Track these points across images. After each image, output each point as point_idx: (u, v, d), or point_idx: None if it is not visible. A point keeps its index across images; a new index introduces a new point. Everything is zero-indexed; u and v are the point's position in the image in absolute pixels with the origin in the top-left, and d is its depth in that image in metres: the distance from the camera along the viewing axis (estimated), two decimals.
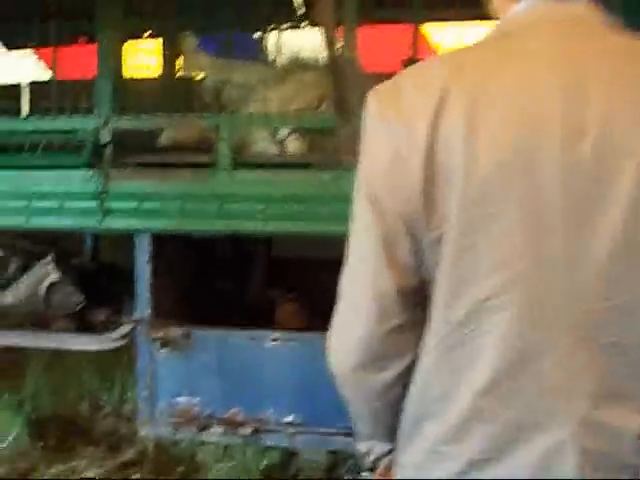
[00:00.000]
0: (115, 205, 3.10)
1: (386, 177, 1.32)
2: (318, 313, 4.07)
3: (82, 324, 3.80)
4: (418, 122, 1.29)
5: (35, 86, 4.72)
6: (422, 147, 1.28)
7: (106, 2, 3.22)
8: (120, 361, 4.29)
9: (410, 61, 4.43)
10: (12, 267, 3.96)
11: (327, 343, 1.47)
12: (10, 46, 5.10)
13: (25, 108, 4.62)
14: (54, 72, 5.26)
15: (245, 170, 3.02)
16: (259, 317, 3.83)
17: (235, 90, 3.50)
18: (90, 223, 3.12)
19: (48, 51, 5.14)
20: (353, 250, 1.38)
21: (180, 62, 3.78)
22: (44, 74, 5.50)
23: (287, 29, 4.96)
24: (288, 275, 3.98)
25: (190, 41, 3.60)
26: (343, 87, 2.73)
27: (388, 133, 1.32)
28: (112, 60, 3.14)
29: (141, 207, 3.07)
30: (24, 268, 3.94)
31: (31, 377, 4.47)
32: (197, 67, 3.60)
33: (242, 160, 3.05)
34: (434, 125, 1.28)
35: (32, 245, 3.86)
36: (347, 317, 1.40)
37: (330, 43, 2.53)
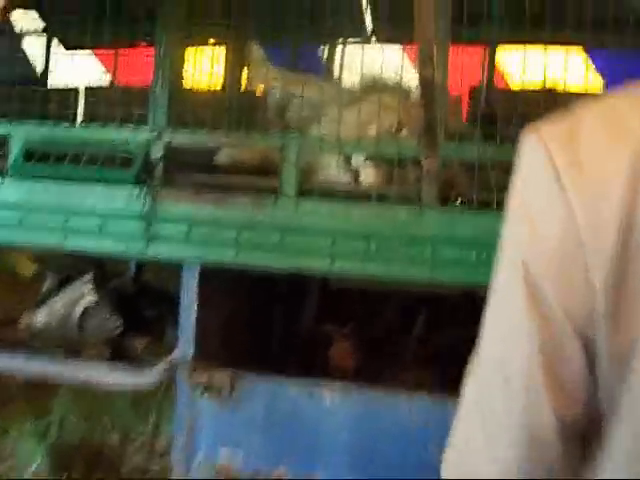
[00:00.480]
0: (163, 229, 2.69)
1: (554, 259, 0.91)
2: (377, 349, 3.67)
3: (118, 352, 3.42)
4: (607, 184, 0.87)
5: (90, 91, 4.36)
6: (613, 220, 0.86)
7: (169, 2, 2.84)
8: (156, 391, 3.90)
9: (479, 88, 4.01)
10: (47, 284, 3.60)
11: (443, 470, 1.05)
12: (67, 47, 4.77)
13: (80, 114, 4.27)
14: (110, 77, 4.93)
15: (312, 199, 2.60)
16: (313, 355, 3.44)
17: (304, 108, 3.10)
18: (134, 248, 2.72)
19: (106, 55, 4.81)
20: (492, 351, 0.96)
21: (244, 73, 3.38)
22: (101, 79, 5.18)
23: (357, 45, 4.57)
24: (346, 308, 3.57)
25: (258, 51, 3.20)
26: (434, 113, 2.31)
27: (560, 196, 0.90)
28: (171, 67, 2.76)
29: (192, 234, 2.67)
30: (60, 285, 3.58)
31: (59, 401, 4.10)
32: (264, 79, 3.20)
33: (309, 188, 2.63)
34: (633, 190, 0.86)
35: (71, 260, 3.50)
36: (476, 442, 0.98)
37: (425, 63, 2.12)
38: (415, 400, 2.66)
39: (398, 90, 2.82)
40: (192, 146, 2.76)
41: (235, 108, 3.17)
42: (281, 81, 3.17)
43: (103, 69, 5.25)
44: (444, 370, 3.55)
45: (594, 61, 4.91)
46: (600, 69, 4.95)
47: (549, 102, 3.40)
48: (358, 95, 2.87)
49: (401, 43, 4.59)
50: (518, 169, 0.98)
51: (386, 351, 3.56)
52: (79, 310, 3.35)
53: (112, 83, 4.82)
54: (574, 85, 3.77)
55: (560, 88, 3.50)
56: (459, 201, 2.55)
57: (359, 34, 4.48)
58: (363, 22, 4.54)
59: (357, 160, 2.68)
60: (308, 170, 2.70)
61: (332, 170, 2.69)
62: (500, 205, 2.52)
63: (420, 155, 2.49)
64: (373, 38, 4.63)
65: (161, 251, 2.71)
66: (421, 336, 3.65)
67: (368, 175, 2.65)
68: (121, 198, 2.71)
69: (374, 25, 4.58)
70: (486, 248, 2.50)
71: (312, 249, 2.59)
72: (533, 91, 3.53)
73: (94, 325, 3.36)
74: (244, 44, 3.29)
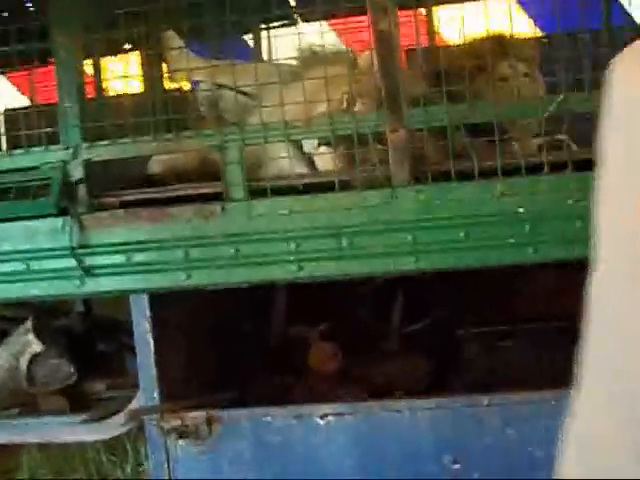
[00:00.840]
0: (98, 261, 2.16)
1: None
2: (356, 344, 3.18)
3: (78, 400, 2.88)
4: None
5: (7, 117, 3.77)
6: None
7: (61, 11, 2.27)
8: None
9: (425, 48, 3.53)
10: None
11: None
12: None
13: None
14: (28, 99, 4.34)
15: (265, 200, 2.10)
16: (290, 364, 2.94)
17: (238, 97, 2.58)
18: (67, 288, 2.18)
19: (19, 76, 4.22)
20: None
21: (164, 70, 2.82)
22: (18, 102, 4.57)
23: (282, 26, 4.04)
24: (315, 303, 3.06)
25: (174, 39, 2.65)
26: (395, 76, 1.82)
27: None
28: (77, 75, 2.21)
29: (133, 261, 2.14)
30: (2, 335, 3.02)
31: (27, 456, 3.54)
32: (187, 72, 2.65)
33: (260, 186, 2.13)
34: None
35: (6, 308, 2.94)
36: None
37: (380, 15, 1.63)
38: (417, 406, 2.18)
39: (343, 59, 2.31)
40: (115, 160, 2.21)
41: (160, 112, 2.62)
42: (207, 71, 2.64)
43: (19, 91, 4.65)
44: (429, 356, 3.10)
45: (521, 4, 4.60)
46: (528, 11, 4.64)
47: (496, 51, 2.95)
48: (298, 71, 2.36)
49: (328, 19, 4.10)
50: (619, 124, 0.56)
51: (366, 344, 3.09)
52: (25, 361, 2.80)
53: (30, 105, 4.23)
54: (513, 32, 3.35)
55: (502, 35, 3.04)
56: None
57: (284, 15, 3.95)
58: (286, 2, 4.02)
59: (310, 145, 2.17)
60: (255, 167, 2.19)
61: (283, 162, 2.17)
62: (483, 174, 2.05)
63: (383, 128, 2.00)
64: (298, 17, 4.12)
65: (100, 286, 2.18)
66: (401, 322, 3.18)
67: (325, 161, 2.15)
68: (43, 233, 2.17)
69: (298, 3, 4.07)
70: (474, 225, 2.03)
71: (274, 257, 2.09)
72: (477, 43, 3.07)
73: (45, 375, 2.81)
74: (158, 39, 2.72)
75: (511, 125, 2.41)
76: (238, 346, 2.99)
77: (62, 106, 2.18)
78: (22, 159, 2.22)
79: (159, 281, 2.15)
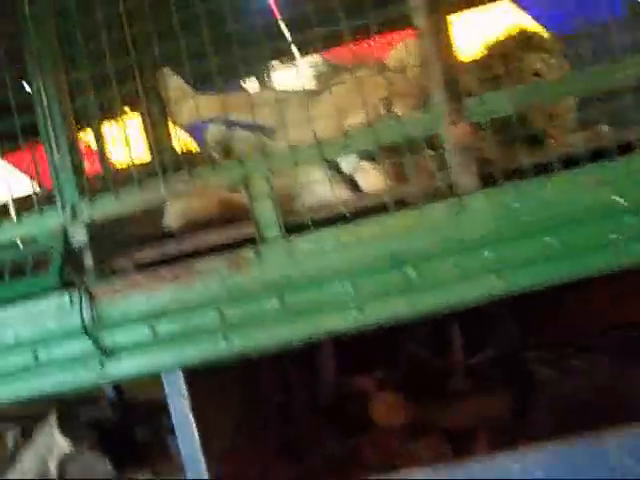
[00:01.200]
0: (118, 338, 1.71)
1: None
2: (419, 387, 2.72)
3: None
4: None
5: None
6: None
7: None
8: None
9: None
10: (10, 440, 2.58)
11: None
12: None
13: None
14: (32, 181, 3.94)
15: (307, 235, 1.66)
16: (353, 422, 2.48)
17: (253, 135, 2.16)
18: (86, 376, 1.72)
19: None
20: None
21: (166, 112, 2.39)
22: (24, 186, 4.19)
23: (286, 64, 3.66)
24: (369, 348, 2.59)
25: (172, 77, 2.23)
26: (451, 58, 1.39)
27: None
28: (63, 118, 1.79)
29: (158, 332, 1.70)
30: (25, 436, 2.57)
31: None
32: (192, 112, 2.23)
33: (297, 221, 1.69)
34: None
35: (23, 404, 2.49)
36: None
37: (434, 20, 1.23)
38: (529, 458, 1.70)
39: (367, 63, 1.89)
40: (123, 216, 1.77)
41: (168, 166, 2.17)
42: (215, 108, 2.22)
43: (21, 174, 4.27)
44: (504, 387, 2.64)
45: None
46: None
47: (524, 46, 2.56)
48: (322, 82, 1.94)
49: (326, 50, 3.77)
50: None
51: (431, 387, 2.62)
52: (54, 464, 2.34)
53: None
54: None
55: (526, 30, 2.65)
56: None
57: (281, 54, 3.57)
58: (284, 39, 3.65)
59: (349, 162, 1.73)
60: (288, 199, 1.75)
61: (320, 188, 1.74)
62: (571, 162, 1.60)
63: (434, 130, 1.56)
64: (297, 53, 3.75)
65: (123, 369, 1.71)
66: (464, 356, 2.72)
67: (370, 179, 1.71)
68: (49, 314, 1.72)
69: (295, 39, 3.70)
70: (566, 227, 1.57)
71: (328, 303, 1.63)
72: (502, 41, 2.67)
73: (78, 475, 2.35)
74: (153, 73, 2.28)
75: (546, 123, 2.00)
76: (289, 409, 2.55)
77: (51, 159, 1.75)
78: (14, 230, 1.79)
79: (193, 352, 1.69)
